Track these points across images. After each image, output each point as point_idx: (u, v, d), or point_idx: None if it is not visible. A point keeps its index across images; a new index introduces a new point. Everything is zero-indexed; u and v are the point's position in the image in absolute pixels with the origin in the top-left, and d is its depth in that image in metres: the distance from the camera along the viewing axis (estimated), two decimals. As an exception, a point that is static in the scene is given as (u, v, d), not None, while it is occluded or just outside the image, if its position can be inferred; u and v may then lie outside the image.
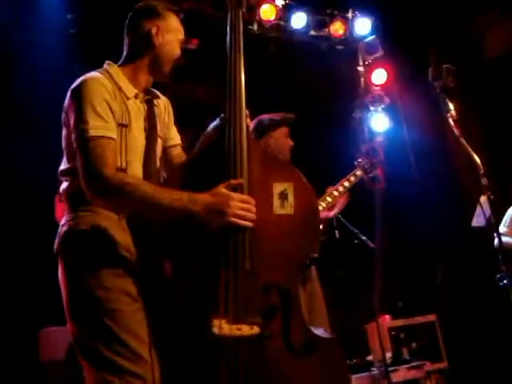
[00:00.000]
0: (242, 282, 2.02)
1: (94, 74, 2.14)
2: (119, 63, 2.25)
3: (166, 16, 2.25)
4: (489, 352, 5.10)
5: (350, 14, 6.05)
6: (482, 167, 2.72)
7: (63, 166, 2.16)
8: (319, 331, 2.27)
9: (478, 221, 4.29)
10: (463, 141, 2.78)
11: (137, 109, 2.19)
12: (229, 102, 2.19)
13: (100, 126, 2.01)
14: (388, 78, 6.11)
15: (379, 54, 6.07)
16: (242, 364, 1.99)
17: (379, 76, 6.13)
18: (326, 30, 5.98)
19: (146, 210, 2.03)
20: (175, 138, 2.42)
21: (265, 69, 6.07)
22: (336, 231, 3.90)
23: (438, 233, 5.86)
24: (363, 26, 6.04)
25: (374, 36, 6.05)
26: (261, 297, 2.05)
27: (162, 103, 2.38)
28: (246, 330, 1.99)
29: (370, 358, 4.48)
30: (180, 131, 5.92)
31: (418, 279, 5.74)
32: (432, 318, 4.96)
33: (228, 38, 2.33)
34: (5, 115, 4.66)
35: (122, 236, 2.09)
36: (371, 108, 6.20)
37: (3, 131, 4.49)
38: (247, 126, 2.23)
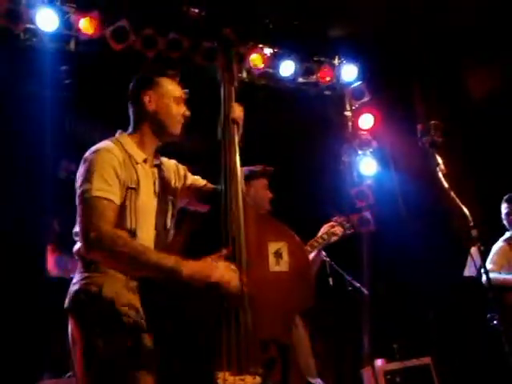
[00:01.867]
0: (243, 336, 2.10)
1: (106, 143, 2.31)
2: (128, 131, 2.41)
3: (158, 82, 2.39)
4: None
5: (336, 61, 6.26)
6: (471, 219, 2.82)
7: (76, 228, 2.25)
8: (316, 381, 2.33)
9: (469, 271, 4.43)
10: (453, 194, 2.88)
11: (145, 173, 2.32)
12: (224, 176, 2.31)
13: (102, 188, 2.15)
14: (375, 122, 6.28)
15: (366, 99, 6.26)
16: None
17: (366, 120, 6.30)
18: (314, 76, 6.17)
19: (135, 266, 2.13)
20: (199, 180, 2.55)
21: (254, 115, 6.21)
22: (330, 278, 3.93)
23: (427, 275, 5.93)
24: (350, 72, 6.24)
25: (360, 82, 6.24)
26: (260, 349, 2.14)
27: (171, 168, 2.51)
28: (249, 380, 2.07)
29: (367, 403, 4.48)
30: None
31: (410, 322, 5.78)
32: (427, 360, 4.99)
33: (222, 111, 2.44)
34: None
35: (130, 297, 2.18)
36: (359, 152, 6.35)
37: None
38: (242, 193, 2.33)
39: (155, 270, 2.10)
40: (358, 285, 3.92)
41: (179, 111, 2.40)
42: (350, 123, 6.40)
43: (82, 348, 2.14)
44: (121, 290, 2.17)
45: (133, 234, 2.21)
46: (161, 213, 2.32)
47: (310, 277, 2.45)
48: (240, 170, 2.35)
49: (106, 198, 2.14)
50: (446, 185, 2.92)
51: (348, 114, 6.40)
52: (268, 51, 5.89)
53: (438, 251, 5.95)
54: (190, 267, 2.09)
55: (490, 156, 5.81)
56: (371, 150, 6.32)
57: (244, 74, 5.95)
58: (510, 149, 5.82)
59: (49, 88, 5.19)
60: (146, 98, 2.36)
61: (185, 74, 2.55)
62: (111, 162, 2.20)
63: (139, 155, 2.33)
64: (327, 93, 6.35)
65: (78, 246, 2.26)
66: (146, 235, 2.25)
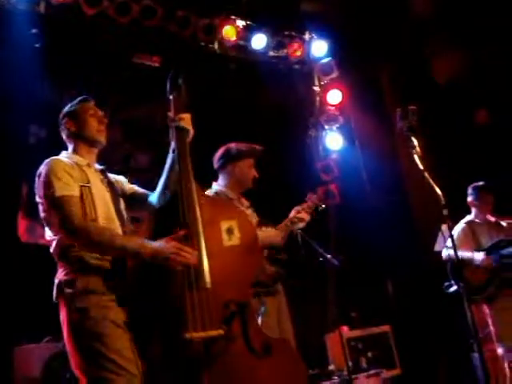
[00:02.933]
0: (205, 299, 2.50)
1: (53, 157, 2.74)
2: (68, 151, 2.86)
3: (77, 110, 2.87)
4: (437, 357, 5.44)
5: (307, 36, 6.33)
6: (442, 199, 3.02)
7: (48, 232, 2.66)
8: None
9: (440, 246, 4.67)
10: (427, 175, 3.07)
11: (93, 174, 2.77)
12: (182, 179, 2.74)
13: (62, 187, 2.56)
14: (342, 98, 6.41)
15: (334, 75, 6.37)
16: (212, 364, 2.43)
17: (334, 96, 6.42)
18: (285, 50, 6.24)
19: (104, 248, 2.54)
20: (134, 188, 3.01)
21: (224, 87, 6.27)
22: (301, 249, 4.06)
23: (387, 247, 6.18)
24: (319, 47, 6.34)
25: (329, 58, 6.34)
26: (222, 310, 2.54)
27: (112, 175, 2.95)
28: (213, 332, 2.47)
29: (331, 367, 4.71)
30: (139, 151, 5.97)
31: (370, 292, 6.04)
32: (386, 328, 5.27)
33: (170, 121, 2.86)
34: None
35: (103, 269, 2.56)
36: (326, 127, 6.50)
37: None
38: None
39: (123, 252, 2.55)
40: (329, 256, 4.06)
41: (95, 124, 2.85)
42: (317, 98, 6.51)
43: (68, 331, 2.51)
44: (96, 271, 2.55)
45: (93, 221, 2.61)
46: (115, 205, 2.77)
47: (258, 248, 2.88)
48: (191, 171, 2.76)
49: (68, 195, 2.55)
50: (421, 166, 3.12)
51: (316, 89, 6.50)
52: (240, 23, 5.91)
53: (398, 224, 6.21)
54: (151, 248, 2.51)
55: (452, 137, 6.03)
56: (338, 125, 6.47)
57: (216, 46, 5.98)
58: (473, 130, 6.08)
59: (18, 51, 5.09)
60: (68, 125, 2.84)
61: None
62: (62, 165, 2.63)
63: (81, 162, 2.77)
64: (297, 67, 6.43)
65: (53, 246, 2.64)
66: (105, 222, 2.66)
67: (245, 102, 6.22)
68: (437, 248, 4.76)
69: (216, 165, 3.82)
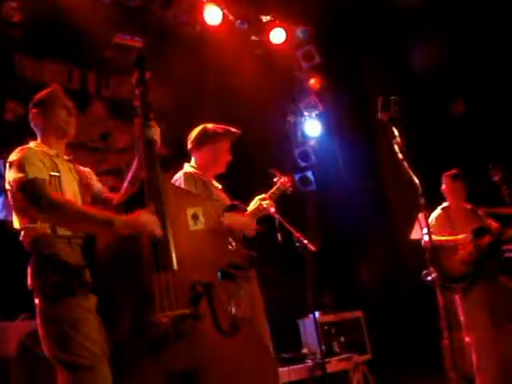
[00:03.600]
0: (172, 281, 2.57)
1: (24, 146, 2.74)
2: (37, 140, 2.84)
3: (46, 100, 2.84)
4: (409, 345, 5.56)
5: (290, 22, 6.33)
6: (420, 188, 3.08)
7: (17, 221, 2.67)
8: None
9: (416, 234, 4.72)
10: (406, 164, 3.12)
11: (62, 164, 2.77)
12: (148, 170, 2.79)
13: (34, 171, 2.57)
14: (323, 85, 6.45)
15: (316, 61, 6.40)
16: (180, 342, 2.50)
17: (314, 83, 6.46)
18: (267, 35, 6.23)
19: (77, 221, 2.58)
20: (100, 188, 3.01)
21: (205, 71, 6.25)
22: (278, 234, 4.08)
23: (363, 233, 6.28)
24: (303, 34, 6.35)
25: (312, 44, 6.36)
26: (188, 291, 2.63)
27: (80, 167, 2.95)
28: (181, 311, 2.54)
29: (304, 350, 4.79)
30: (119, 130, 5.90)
31: (343, 277, 6.14)
32: (359, 314, 5.37)
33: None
34: None
35: (74, 259, 2.60)
36: (305, 113, 6.54)
37: None
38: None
39: (94, 224, 2.56)
40: (306, 241, 4.08)
41: (64, 115, 2.84)
42: (298, 84, 6.54)
43: (40, 318, 2.54)
44: (66, 255, 2.59)
45: None
46: (82, 196, 2.80)
47: (222, 232, 2.95)
48: (158, 165, 2.80)
49: (41, 178, 2.57)
50: (400, 156, 3.16)
51: (297, 75, 6.53)
52: (224, 7, 5.88)
53: (373, 211, 6.31)
54: (121, 219, 2.54)
55: (429, 127, 6.12)
56: (317, 112, 6.51)
57: (198, 28, 5.95)
58: (449, 120, 6.17)
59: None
60: (37, 114, 2.83)
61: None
62: (33, 153, 2.65)
63: (51, 151, 2.77)
64: (279, 52, 6.43)
65: (21, 236, 2.65)
66: None
67: (226, 85, 6.21)
68: (413, 236, 4.82)
69: (190, 145, 3.68)
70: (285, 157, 6.49)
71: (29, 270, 2.61)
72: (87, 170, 2.98)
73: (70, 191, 2.72)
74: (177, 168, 3.71)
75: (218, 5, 5.80)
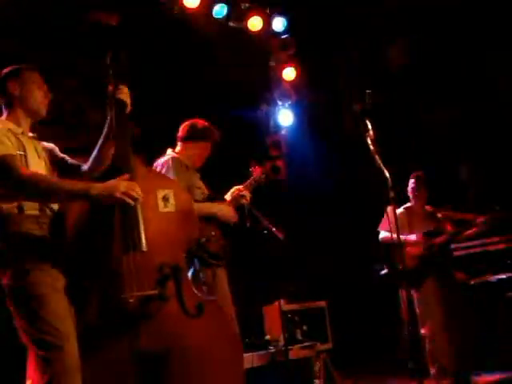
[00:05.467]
0: (141, 262, 2.62)
1: None
2: (4, 116, 2.80)
3: (21, 73, 2.80)
4: (370, 336, 5.67)
5: (267, 10, 6.32)
6: (390, 181, 3.15)
7: None
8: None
9: (383, 226, 4.84)
10: (377, 157, 3.19)
11: (27, 142, 2.74)
12: (118, 136, 2.86)
13: (3, 149, 2.55)
14: (297, 76, 6.47)
15: (291, 52, 6.41)
16: (148, 322, 2.55)
17: (289, 73, 6.47)
18: (244, 22, 6.21)
19: (53, 194, 2.57)
20: (66, 157, 2.98)
21: (179, 53, 6.19)
22: (246, 221, 4.11)
23: (329, 224, 6.35)
24: (279, 23, 6.34)
25: (287, 34, 6.36)
26: (156, 272, 2.66)
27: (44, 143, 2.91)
28: (149, 292, 2.59)
29: (267, 337, 4.83)
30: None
31: (307, 267, 6.21)
32: (322, 303, 5.45)
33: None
34: None
35: (41, 235, 2.58)
36: (279, 103, 6.55)
37: None
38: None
39: (69, 194, 2.56)
40: (274, 229, 4.13)
41: (41, 95, 2.82)
42: (273, 74, 6.54)
43: (7, 296, 2.53)
44: (34, 231, 2.57)
45: None
46: (49, 172, 2.77)
47: (192, 216, 2.97)
48: (129, 140, 2.87)
49: (11, 154, 2.55)
50: (371, 148, 3.22)
51: (272, 64, 6.53)
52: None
53: (341, 202, 6.38)
54: (97, 186, 2.54)
55: (402, 124, 6.21)
56: (290, 102, 6.53)
57: (176, 10, 5.89)
58: (419, 119, 6.28)
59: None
60: (12, 86, 2.76)
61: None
62: (1, 133, 2.59)
63: (16, 129, 2.72)
64: (255, 41, 6.41)
65: None
66: None
67: (200, 70, 6.17)
68: (380, 228, 4.94)
69: (179, 134, 3.94)
70: (256, 145, 6.51)
71: None
72: (51, 145, 2.96)
73: (38, 170, 2.68)
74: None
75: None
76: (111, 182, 2.58)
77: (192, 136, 3.88)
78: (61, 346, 2.41)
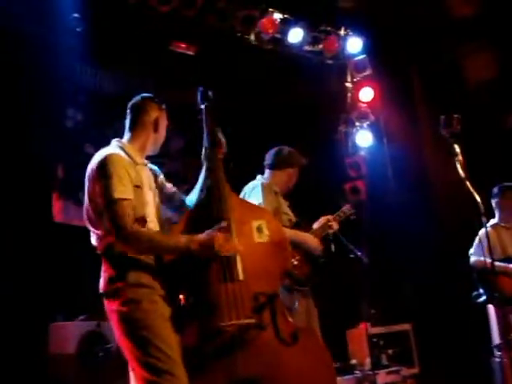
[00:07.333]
0: (239, 291, 2.68)
1: (112, 149, 2.72)
2: (127, 139, 2.82)
3: (162, 108, 2.90)
4: (456, 360, 5.49)
5: (342, 32, 6.36)
6: (482, 206, 3.08)
7: (94, 230, 2.66)
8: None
9: (475, 251, 4.66)
10: (467, 182, 3.12)
11: (143, 173, 2.78)
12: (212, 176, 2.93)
13: (121, 190, 2.56)
14: (374, 96, 6.44)
15: (367, 72, 6.40)
16: (245, 349, 2.59)
17: (366, 94, 6.46)
18: (320, 45, 6.26)
19: (158, 251, 2.66)
20: (173, 188, 3.04)
21: (258, 80, 6.33)
22: (332, 245, 4.11)
23: (412, 245, 6.22)
24: (354, 44, 6.36)
25: (364, 55, 6.37)
26: (252, 301, 2.71)
27: (154, 170, 2.96)
28: (246, 321, 2.63)
29: (353, 361, 4.79)
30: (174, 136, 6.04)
31: (391, 290, 6.10)
32: (407, 326, 5.34)
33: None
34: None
35: (147, 275, 2.62)
36: (356, 124, 6.54)
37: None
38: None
39: (173, 251, 2.67)
40: (359, 253, 4.12)
41: (163, 134, 2.91)
42: (349, 95, 6.55)
43: (117, 320, 2.57)
44: (143, 271, 2.62)
45: (144, 222, 2.67)
46: (155, 205, 2.82)
47: (286, 246, 2.98)
48: (223, 175, 2.93)
49: (125, 199, 2.56)
50: (462, 174, 3.17)
51: (349, 85, 6.54)
52: (278, 16, 5.94)
53: (423, 222, 6.24)
54: (198, 241, 2.61)
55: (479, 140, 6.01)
56: (368, 122, 6.50)
57: (252, 37, 6.02)
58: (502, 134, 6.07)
59: (59, 35, 5.18)
60: (154, 115, 2.84)
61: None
62: (123, 164, 2.62)
63: (137, 158, 2.76)
64: (331, 63, 6.46)
65: (95, 239, 2.66)
66: (152, 223, 2.74)
67: (278, 95, 6.27)
68: (471, 251, 4.74)
69: (266, 161, 3.96)
70: (335, 167, 6.51)
71: (103, 274, 2.64)
72: (158, 171, 2.98)
73: (150, 203, 2.74)
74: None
75: (272, 17, 5.87)
76: (210, 237, 2.62)
77: (279, 163, 3.89)
78: (171, 372, 2.47)
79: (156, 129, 2.83)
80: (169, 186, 3.00)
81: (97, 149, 2.74)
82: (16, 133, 4.89)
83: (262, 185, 3.74)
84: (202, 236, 2.64)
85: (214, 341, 2.61)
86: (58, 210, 5.07)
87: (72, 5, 5.20)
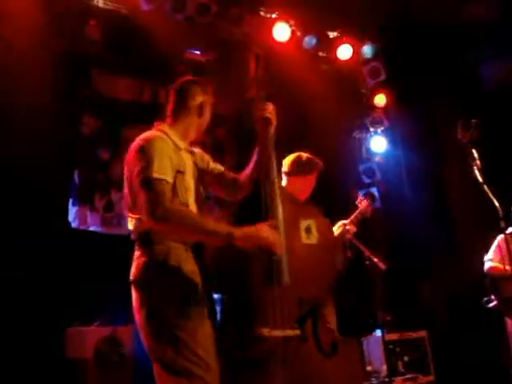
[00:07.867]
0: (284, 296, 2.47)
1: (154, 132, 2.59)
2: (169, 124, 2.68)
3: (209, 91, 2.74)
4: (472, 369, 5.44)
5: (356, 38, 6.36)
6: (501, 212, 3.05)
7: (131, 214, 2.52)
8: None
9: (493, 256, 4.62)
10: (486, 188, 3.10)
11: (187, 159, 2.64)
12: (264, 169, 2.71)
13: (161, 171, 2.42)
14: (389, 101, 6.43)
15: (382, 78, 6.39)
16: (286, 361, 2.43)
17: (381, 99, 6.45)
18: (334, 51, 6.27)
19: (196, 233, 2.43)
20: (222, 169, 2.85)
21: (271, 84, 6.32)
22: (348, 251, 4.09)
23: (427, 251, 6.18)
24: (368, 50, 6.36)
25: (378, 61, 6.36)
26: (297, 308, 2.54)
27: (199, 154, 2.80)
28: (290, 332, 2.46)
29: (369, 368, 4.76)
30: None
31: (407, 297, 6.06)
32: (423, 334, 5.30)
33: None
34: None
35: (189, 265, 2.45)
36: (371, 129, 6.53)
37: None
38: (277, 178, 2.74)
39: (212, 235, 2.40)
40: (376, 259, 4.09)
41: (209, 118, 2.76)
42: (364, 100, 6.54)
43: (148, 315, 2.37)
44: (184, 259, 2.44)
45: (186, 207, 2.52)
46: (197, 191, 2.66)
47: (334, 249, 2.88)
48: (274, 163, 2.71)
49: (164, 179, 2.40)
50: (480, 179, 3.14)
51: (363, 91, 6.53)
52: (293, 22, 5.96)
53: (438, 230, 6.20)
54: (241, 231, 2.38)
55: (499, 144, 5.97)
56: (382, 128, 6.49)
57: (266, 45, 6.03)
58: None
59: (74, 44, 5.22)
60: (199, 99, 2.69)
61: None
62: (165, 147, 2.50)
63: (181, 144, 2.62)
64: (345, 68, 6.45)
65: (132, 224, 2.52)
66: (193, 209, 2.57)
67: (292, 100, 6.26)
68: (489, 257, 4.71)
69: (284, 169, 3.88)
70: (349, 173, 6.50)
71: (136, 260, 2.45)
72: (203, 154, 2.81)
73: (191, 191, 2.58)
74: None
75: (287, 22, 5.89)
76: (255, 229, 2.41)
77: (297, 170, 3.79)
78: (203, 377, 2.28)
79: (201, 113, 2.69)
80: (216, 166, 2.82)
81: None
82: (32, 140, 4.92)
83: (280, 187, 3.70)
84: (247, 227, 2.41)
85: (254, 348, 2.42)
86: (74, 215, 5.08)
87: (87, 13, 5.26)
